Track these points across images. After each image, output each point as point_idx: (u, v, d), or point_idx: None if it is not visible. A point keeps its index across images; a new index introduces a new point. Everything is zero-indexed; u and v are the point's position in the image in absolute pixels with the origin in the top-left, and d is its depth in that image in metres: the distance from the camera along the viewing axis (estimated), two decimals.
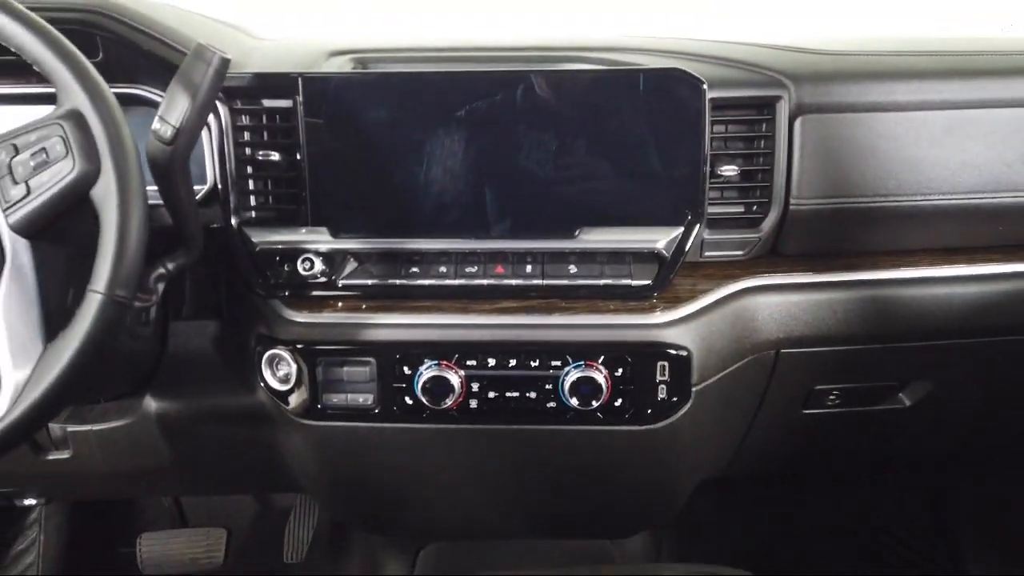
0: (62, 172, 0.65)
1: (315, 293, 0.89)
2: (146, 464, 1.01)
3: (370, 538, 1.37)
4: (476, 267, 0.88)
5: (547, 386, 0.86)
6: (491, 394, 0.87)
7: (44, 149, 0.65)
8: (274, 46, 1.04)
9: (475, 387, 0.86)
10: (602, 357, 0.85)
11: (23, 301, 0.66)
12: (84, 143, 0.65)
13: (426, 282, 0.88)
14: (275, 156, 0.88)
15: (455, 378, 0.86)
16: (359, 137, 0.86)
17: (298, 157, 0.86)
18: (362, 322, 0.87)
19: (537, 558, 1.19)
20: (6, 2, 0.66)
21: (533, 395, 0.86)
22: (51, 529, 1.35)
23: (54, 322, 0.67)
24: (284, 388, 0.89)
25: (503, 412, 0.87)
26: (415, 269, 0.88)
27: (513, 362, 0.86)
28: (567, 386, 0.85)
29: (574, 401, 0.85)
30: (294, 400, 0.89)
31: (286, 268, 0.89)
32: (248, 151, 0.88)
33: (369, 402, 0.88)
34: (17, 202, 0.66)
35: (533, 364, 0.86)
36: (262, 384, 0.90)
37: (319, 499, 1.16)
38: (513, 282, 0.87)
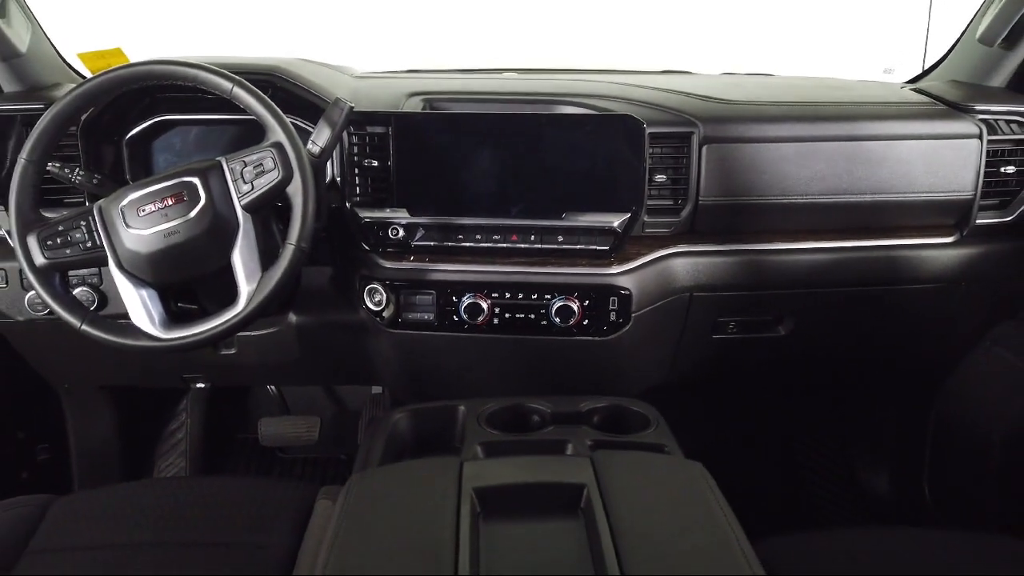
0: (272, 178, 1.17)
1: (398, 250, 1.41)
2: (283, 360, 1.55)
3: None
4: (499, 236, 1.38)
5: (541, 311, 1.38)
6: (506, 315, 1.39)
7: (261, 164, 1.18)
8: (368, 85, 1.56)
9: (496, 310, 1.38)
10: (576, 293, 1.37)
11: (249, 248, 1.18)
12: (284, 162, 1.17)
13: (468, 244, 1.39)
14: (374, 163, 1.39)
15: (484, 304, 1.38)
16: (428, 152, 1.37)
17: (388, 164, 1.38)
18: (427, 268, 1.39)
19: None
20: (246, 84, 1.17)
21: (532, 316, 1.38)
22: (196, 413, 1.90)
23: (264, 260, 1.20)
24: (377, 309, 1.42)
25: (513, 326, 1.39)
26: (461, 236, 1.39)
27: (520, 295, 1.38)
28: (553, 311, 1.37)
29: (558, 320, 1.37)
30: (385, 316, 1.42)
31: (380, 233, 1.41)
32: (356, 159, 1.40)
33: (431, 318, 1.41)
34: (246, 193, 1.18)
35: (533, 296, 1.38)
36: (363, 306, 1.43)
37: (391, 383, 1.69)
38: (522, 246, 1.38)
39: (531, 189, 1.36)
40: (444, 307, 1.40)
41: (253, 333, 1.50)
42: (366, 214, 1.39)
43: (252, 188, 1.18)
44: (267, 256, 1.21)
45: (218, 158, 1.19)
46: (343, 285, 1.49)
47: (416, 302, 1.40)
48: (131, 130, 1.45)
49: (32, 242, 1.17)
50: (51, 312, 1.20)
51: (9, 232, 1.19)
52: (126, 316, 1.21)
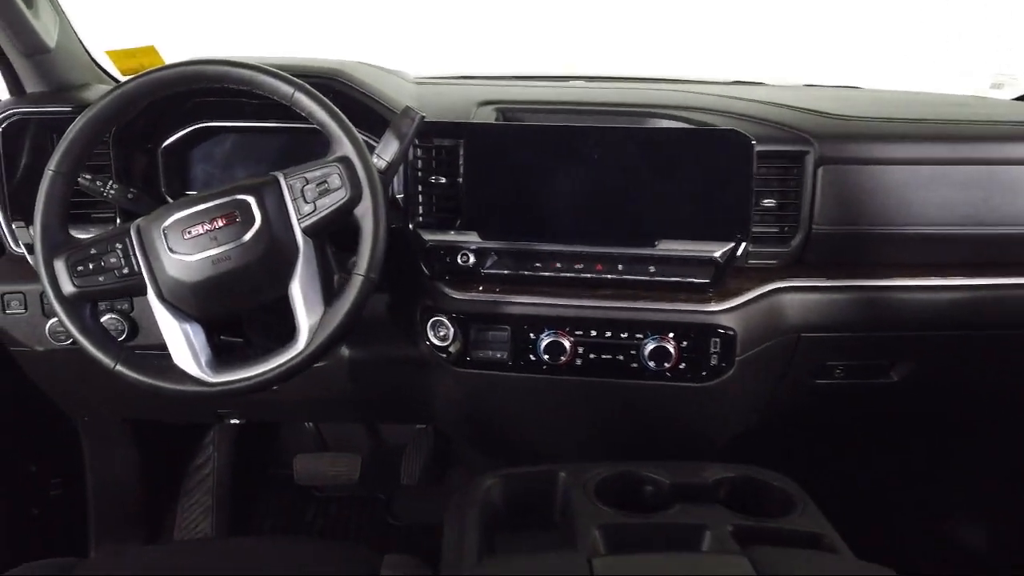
0: (338, 197, 1.01)
1: (466, 278, 1.25)
2: (329, 395, 1.39)
3: (471, 466, 1.74)
4: (582, 264, 1.22)
5: (631, 351, 1.21)
6: (591, 355, 1.22)
7: (326, 181, 1.02)
8: (431, 92, 1.40)
9: (580, 350, 1.22)
10: (672, 333, 1.20)
11: (310, 277, 1.02)
12: (352, 179, 1.01)
13: (546, 274, 1.23)
14: (442, 179, 1.23)
15: (567, 343, 1.21)
16: (503, 169, 1.21)
17: (459, 181, 1.22)
18: (501, 300, 1.23)
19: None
20: (309, 90, 1.01)
21: (621, 358, 1.22)
22: (224, 447, 1.74)
23: (326, 291, 1.04)
24: (442, 344, 1.25)
25: (598, 369, 1.22)
26: (538, 264, 1.23)
27: (608, 333, 1.21)
28: (646, 352, 1.20)
29: (651, 363, 1.20)
30: (451, 353, 1.26)
31: (447, 259, 1.24)
32: (421, 174, 1.23)
33: (504, 357, 1.24)
34: (308, 215, 1.02)
35: (622, 335, 1.21)
36: (426, 341, 1.27)
37: (451, 426, 1.52)
38: (608, 276, 1.22)
39: (620, 212, 1.20)
40: (520, 345, 1.23)
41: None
42: (431, 237, 1.23)
43: (314, 209, 1.01)
44: (327, 286, 1.04)
45: (274, 173, 1.03)
46: (401, 315, 1.32)
47: (488, 338, 1.24)
48: (167, 138, 1.29)
49: (60, 267, 1.01)
50: (75, 342, 1.04)
51: (33, 253, 1.02)
52: (160, 347, 1.05)
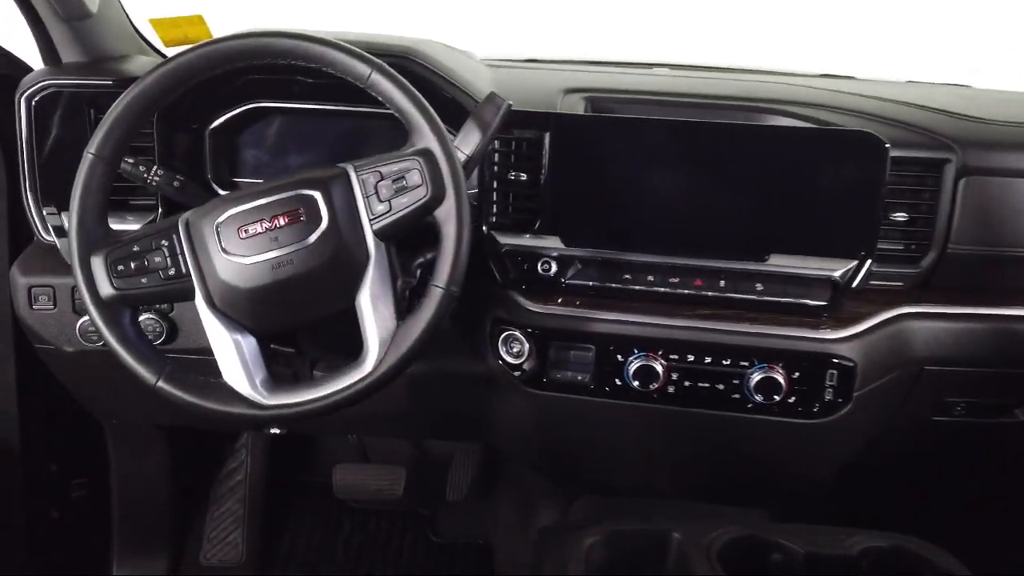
0: (417, 196, 0.87)
1: (545, 288, 1.10)
2: (386, 410, 1.25)
3: (522, 484, 1.60)
4: (678, 279, 1.08)
5: (734, 381, 1.06)
6: (687, 383, 1.07)
7: (404, 177, 0.87)
8: (510, 77, 1.25)
9: (674, 376, 1.07)
10: (781, 362, 1.05)
11: (382, 287, 0.88)
12: (434, 176, 0.87)
13: (637, 287, 1.08)
14: (522, 176, 1.08)
15: (659, 367, 1.07)
16: (593, 166, 1.06)
17: (540, 178, 1.07)
18: (585, 316, 1.08)
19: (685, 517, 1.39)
20: (389, 71, 0.87)
21: (722, 387, 1.07)
22: (257, 453, 1.62)
23: (400, 304, 0.90)
24: (516, 362, 1.11)
25: (694, 398, 1.08)
26: (628, 276, 1.09)
27: (707, 359, 1.06)
28: (752, 383, 1.05)
29: (758, 396, 1.05)
30: (524, 371, 1.11)
31: (524, 266, 1.10)
32: (497, 170, 1.09)
33: (586, 379, 1.09)
34: (381, 215, 0.87)
35: (725, 362, 1.06)
36: (497, 358, 1.12)
37: (516, 451, 1.38)
38: (709, 294, 1.07)
39: (726, 221, 1.05)
40: (606, 367, 1.09)
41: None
42: (507, 241, 1.09)
43: (389, 209, 0.87)
44: (400, 299, 0.90)
45: (342, 165, 0.89)
46: (468, 327, 1.18)
47: (569, 358, 1.09)
48: (216, 118, 1.15)
49: (98, 265, 0.87)
50: (111, 349, 0.90)
51: (66, 245, 0.89)
52: (203, 352, 0.93)
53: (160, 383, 0.87)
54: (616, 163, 1.05)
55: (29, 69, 1.20)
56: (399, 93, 0.87)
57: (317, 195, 0.86)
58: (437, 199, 0.87)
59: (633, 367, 1.07)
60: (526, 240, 1.09)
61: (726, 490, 1.30)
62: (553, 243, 1.08)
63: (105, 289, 0.87)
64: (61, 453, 1.51)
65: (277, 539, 1.67)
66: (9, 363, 1.32)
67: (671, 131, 1.04)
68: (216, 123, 1.15)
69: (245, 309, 0.87)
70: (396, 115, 0.89)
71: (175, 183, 1.02)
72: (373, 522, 1.71)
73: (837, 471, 1.22)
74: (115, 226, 0.92)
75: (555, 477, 1.36)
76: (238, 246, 0.85)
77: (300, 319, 0.91)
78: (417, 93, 0.88)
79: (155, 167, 1.01)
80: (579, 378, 1.10)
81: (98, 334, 0.89)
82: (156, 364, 0.89)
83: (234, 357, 0.87)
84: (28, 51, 1.22)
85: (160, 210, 1.11)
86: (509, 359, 1.12)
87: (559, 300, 1.09)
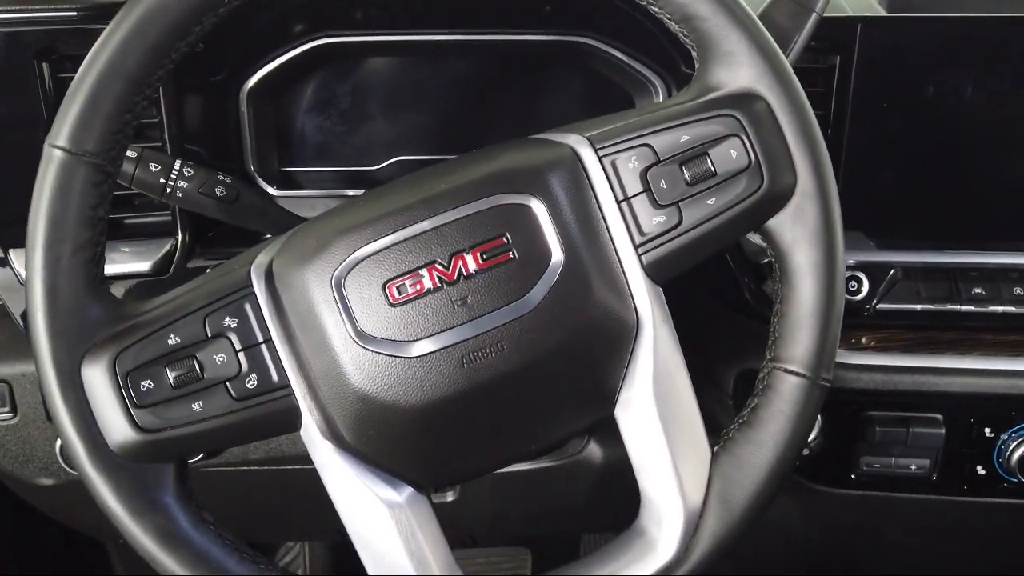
0: (740, 193, 0.42)
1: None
2: (540, 509, 0.82)
3: None
4: None
5: None
6: None
7: (706, 156, 0.42)
8: None
9: None
10: None
11: (667, 378, 0.44)
12: (770, 149, 0.42)
13: (999, 308, 0.65)
14: None
15: None
16: (921, 108, 0.62)
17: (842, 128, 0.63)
18: (918, 365, 0.65)
19: None
20: None
21: None
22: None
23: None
24: None
25: None
26: (978, 290, 0.65)
27: None
28: None
29: None
30: (806, 459, 0.68)
31: None
32: None
33: (925, 470, 0.66)
34: (659, 236, 0.43)
35: None
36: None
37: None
38: None
39: None
40: (960, 448, 0.65)
41: (512, 470, 0.76)
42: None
43: (679, 222, 0.42)
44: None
45: (568, 142, 0.43)
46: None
47: (893, 437, 0.66)
48: (255, 70, 0.68)
49: (98, 380, 0.41)
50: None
51: (30, 332, 0.43)
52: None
53: None
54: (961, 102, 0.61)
55: None
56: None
57: (534, 204, 0.41)
58: (778, 196, 0.42)
59: (1017, 448, 0.63)
60: None
61: None
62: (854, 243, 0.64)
63: (119, 432, 0.41)
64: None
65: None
66: None
67: None
68: (256, 78, 0.68)
69: (406, 444, 0.42)
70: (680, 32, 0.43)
71: (218, 191, 0.55)
72: None
73: None
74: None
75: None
76: (386, 321, 0.40)
77: (506, 455, 0.46)
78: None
79: (177, 162, 0.54)
80: (912, 467, 0.66)
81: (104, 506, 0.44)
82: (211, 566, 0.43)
83: (395, 537, 0.42)
84: None
85: (180, 237, 0.64)
86: None
87: (872, 343, 0.66)
